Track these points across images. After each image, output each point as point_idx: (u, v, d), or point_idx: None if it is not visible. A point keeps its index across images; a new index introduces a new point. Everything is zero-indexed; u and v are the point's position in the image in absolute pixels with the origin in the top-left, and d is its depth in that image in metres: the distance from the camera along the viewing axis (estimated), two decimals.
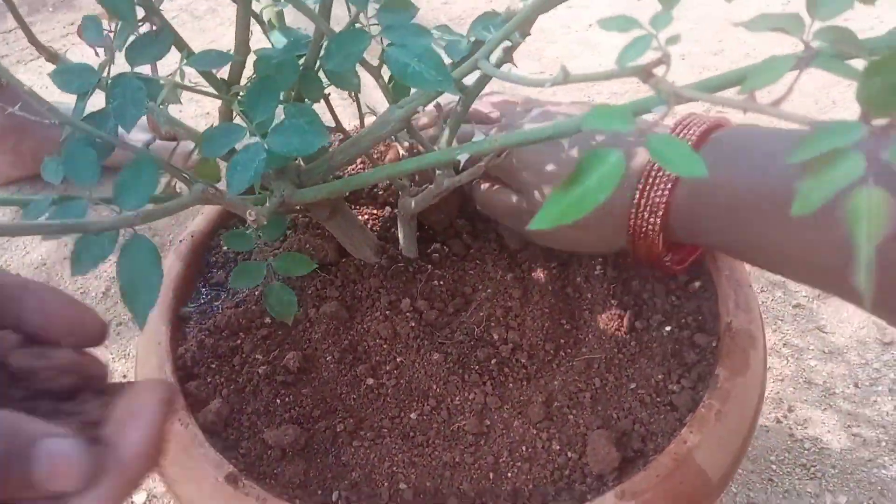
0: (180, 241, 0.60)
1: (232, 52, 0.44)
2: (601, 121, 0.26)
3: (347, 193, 0.61)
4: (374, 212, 0.60)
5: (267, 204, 0.45)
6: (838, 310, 0.98)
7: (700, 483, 0.43)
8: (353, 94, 0.51)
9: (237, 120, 0.46)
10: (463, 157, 0.41)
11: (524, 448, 0.47)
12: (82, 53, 1.44)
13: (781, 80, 0.27)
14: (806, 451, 0.86)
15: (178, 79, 0.39)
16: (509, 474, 0.46)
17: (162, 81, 0.39)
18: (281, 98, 0.46)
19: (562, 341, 0.52)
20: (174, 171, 0.42)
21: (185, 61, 0.38)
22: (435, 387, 0.50)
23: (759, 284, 1.01)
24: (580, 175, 0.25)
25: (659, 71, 0.27)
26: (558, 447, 0.47)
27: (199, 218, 0.62)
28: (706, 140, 0.44)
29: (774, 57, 0.27)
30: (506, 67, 0.41)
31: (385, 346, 0.52)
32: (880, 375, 0.91)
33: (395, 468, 0.47)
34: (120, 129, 0.41)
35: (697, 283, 0.53)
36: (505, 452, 0.47)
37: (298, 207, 0.57)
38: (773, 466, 0.85)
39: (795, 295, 1.00)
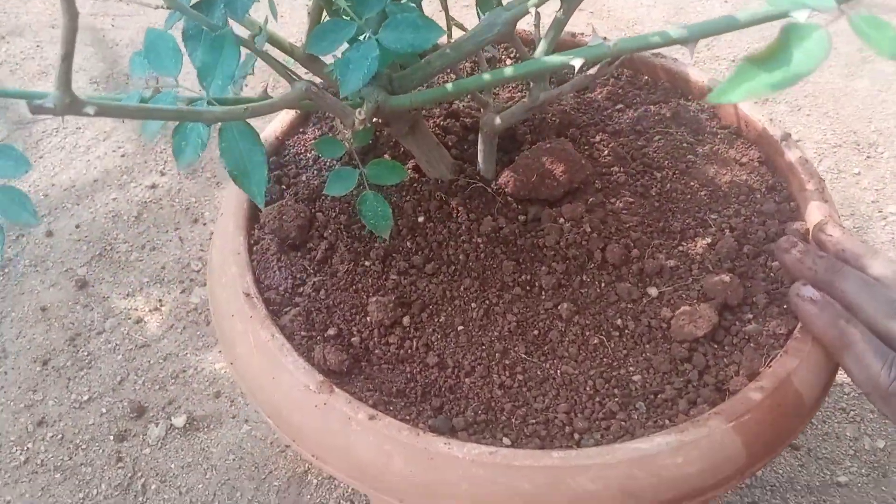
0: None
1: None
2: None
3: (424, 112, 0.60)
4: (446, 124, 0.59)
5: (364, 108, 0.44)
6: None
7: (796, 407, 0.43)
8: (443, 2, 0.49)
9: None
10: (577, 63, 0.39)
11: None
12: None
13: None
14: (846, 395, 0.86)
15: None
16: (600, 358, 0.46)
17: None
18: None
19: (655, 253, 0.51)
20: (277, 66, 0.40)
21: None
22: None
23: None
24: (782, 48, 0.23)
25: None
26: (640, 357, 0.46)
27: (267, 131, 0.60)
28: None
29: None
30: None
31: (463, 258, 0.51)
32: None
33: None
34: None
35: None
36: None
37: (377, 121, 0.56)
38: None
39: None
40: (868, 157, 1.11)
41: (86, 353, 0.97)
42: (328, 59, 0.46)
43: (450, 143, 0.58)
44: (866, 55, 1.26)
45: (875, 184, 1.07)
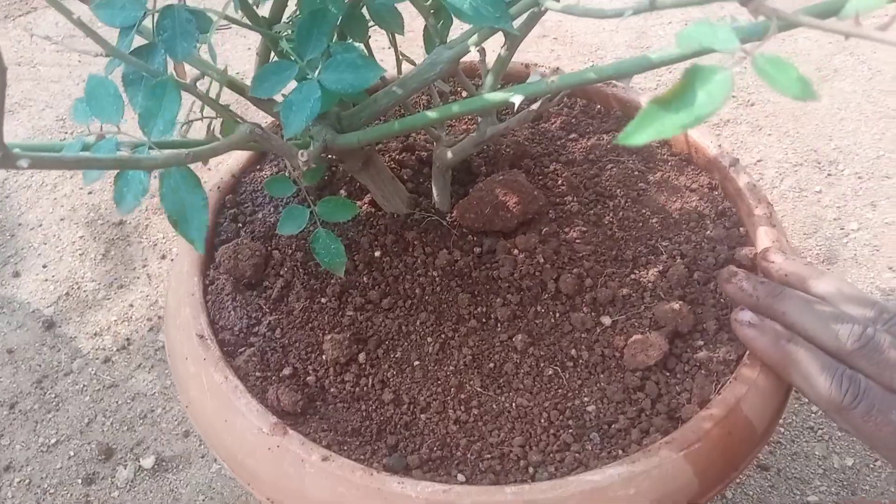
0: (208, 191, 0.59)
1: None
2: (703, 36, 0.25)
3: (379, 145, 0.60)
4: (402, 158, 0.59)
5: (311, 148, 0.44)
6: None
7: (747, 433, 0.43)
8: (392, 37, 0.49)
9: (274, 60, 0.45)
10: (516, 100, 0.40)
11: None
12: None
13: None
14: (813, 414, 0.87)
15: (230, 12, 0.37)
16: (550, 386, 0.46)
17: (212, 14, 0.38)
18: None
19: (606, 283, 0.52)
20: (219, 108, 0.40)
21: None
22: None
23: None
24: (686, 90, 0.24)
25: None
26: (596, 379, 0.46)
27: (223, 168, 0.60)
28: None
29: None
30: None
31: (419, 291, 0.51)
32: None
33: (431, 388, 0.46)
34: None
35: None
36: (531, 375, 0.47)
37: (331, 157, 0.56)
38: (781, 429, 0.86)
39: None
40: (829, 174, 1.12)
41: (53, 396, 0.96)
42: (280, 98, 0.47)
43: (405, 177, 0.58)
44: (825, 74, 1.28)
45: (836, 201, 1.08)
